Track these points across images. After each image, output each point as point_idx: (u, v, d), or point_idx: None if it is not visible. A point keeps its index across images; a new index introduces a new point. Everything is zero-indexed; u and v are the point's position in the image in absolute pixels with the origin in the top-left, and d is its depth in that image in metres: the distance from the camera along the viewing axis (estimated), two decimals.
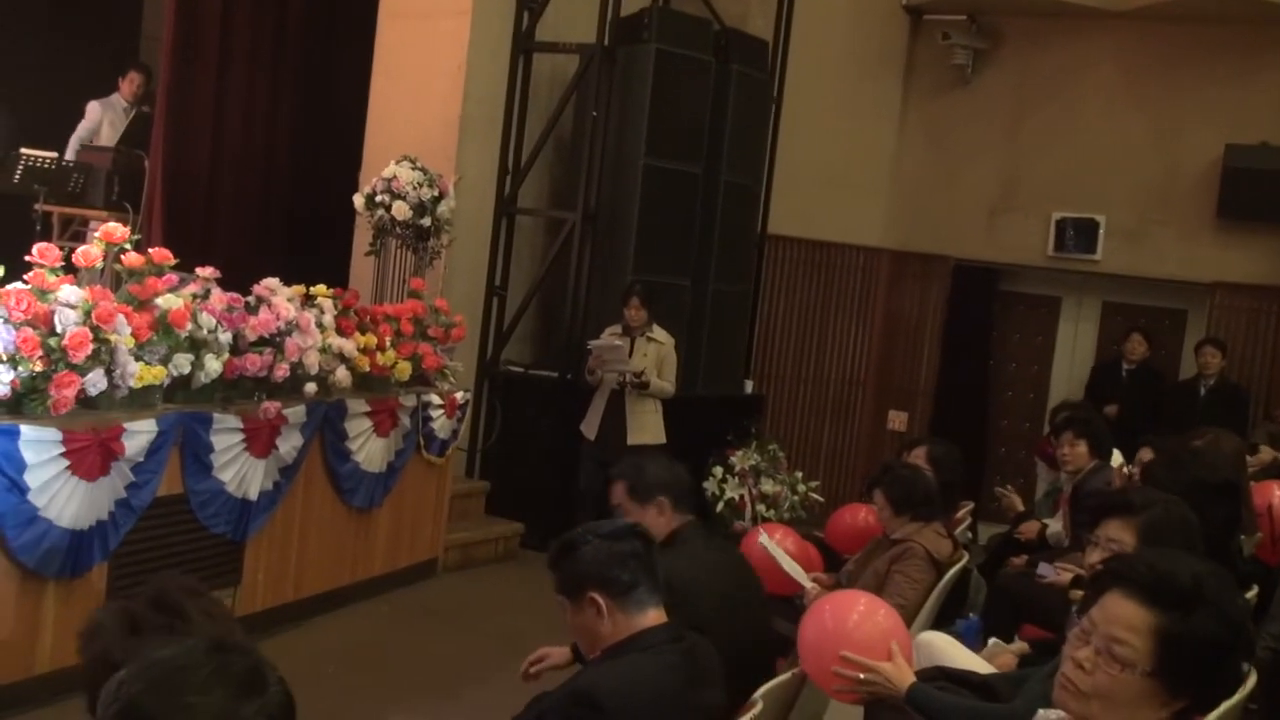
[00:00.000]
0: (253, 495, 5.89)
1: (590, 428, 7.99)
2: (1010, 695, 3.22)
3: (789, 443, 10.33)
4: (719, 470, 9.01)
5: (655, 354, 7.95)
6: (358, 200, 7.95)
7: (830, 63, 10.56)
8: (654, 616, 3.02)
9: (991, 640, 4.57)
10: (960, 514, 6.32)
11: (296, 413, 6.12)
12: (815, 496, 9.28)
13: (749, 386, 10.17)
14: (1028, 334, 11.02)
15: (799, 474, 9.37)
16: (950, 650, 3.92)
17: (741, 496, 8.86)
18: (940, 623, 4.91)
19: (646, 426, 7.91)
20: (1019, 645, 4.51)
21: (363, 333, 6.78)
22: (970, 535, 7.31)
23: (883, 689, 3.23)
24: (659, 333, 8.01)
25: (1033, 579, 5.32)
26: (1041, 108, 10.50)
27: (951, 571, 4.99)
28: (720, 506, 8.85)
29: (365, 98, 8.64)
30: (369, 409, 6.71)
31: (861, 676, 3.23)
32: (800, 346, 10.97)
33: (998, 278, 10.87)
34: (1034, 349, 11.01)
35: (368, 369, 6.73)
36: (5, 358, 4.73)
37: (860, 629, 3.34)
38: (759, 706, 3.22)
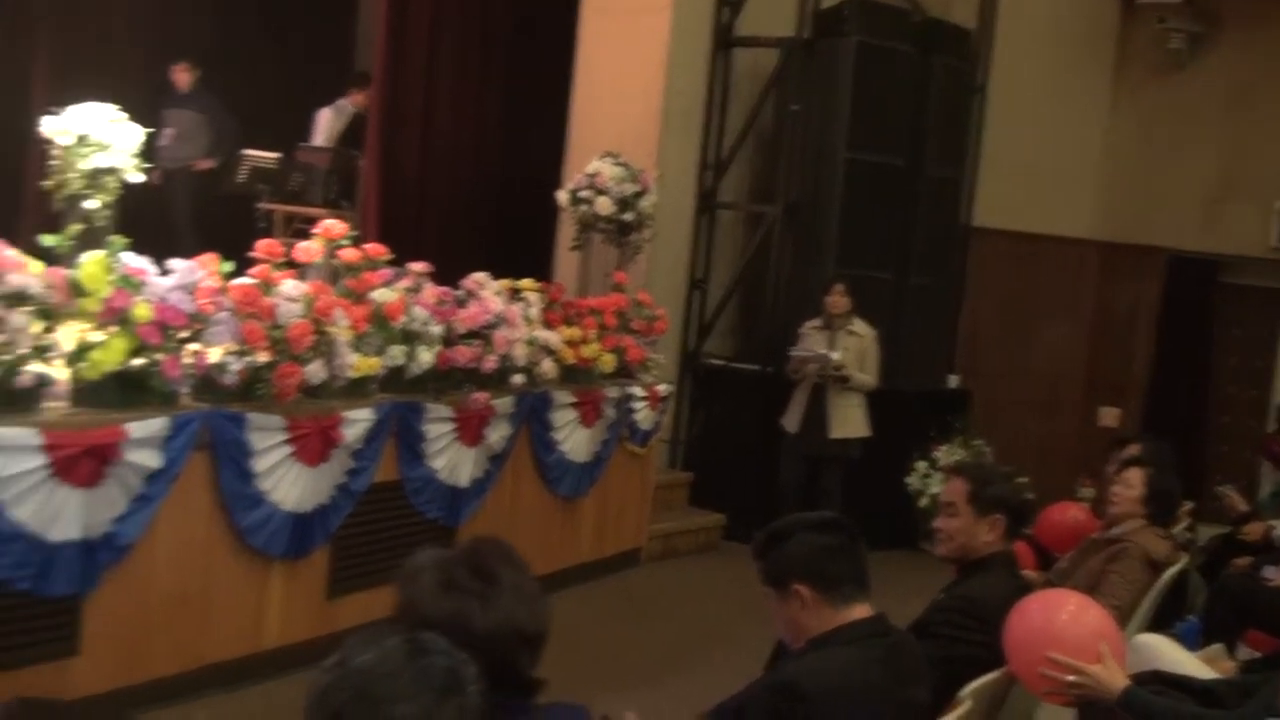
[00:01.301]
0: (463, 482, 6.07)
1: (792, 421, 7.97)
2: (1236, 702, 3.10)
3: (995, 438, 10.11)
4: (922, 465, 8.89)
5: (856, 347, 7.88)
6: (562, 196, 8.09)
7: (1037, 50, 10.28)
8: (859, 610, 2.99)
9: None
10: (1179, 513, 6.10)
11: (505, 403, 6.28)
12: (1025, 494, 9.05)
13: (953, 381, 9.99)
14: (1250, 328, 10.53)
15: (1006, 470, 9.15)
16: (1170, 653, 3.79)
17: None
18: (1158, 626, 4.75)
19: (849, 420, 7.86)
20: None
21: (568, 325, 6.91)
22: (1189, 536, 7.05)
23: (1092, 692, 3.14)
24: (859, 325, 7.93)
25: (1258, 582, 5.10)
26: (1262, 92, 10.00)
27: (1169, 573, 4.82)
28: (924, 501, 8.74)
29: (568, 95, 8.78)
30: (574, 400, 6.85)
31: (1070, 678, 3.16)
32: (1006, 340, 10.71)
33: (1216, 270, 10.42)
34: (1257, 343, 10.50)
35: (573, 361, 6.86)
36: (233, 349, 4.98)
37: (1069, 629, 3.26)
38: (967, 705, 3.17)
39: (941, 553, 3.97)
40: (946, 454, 8.90)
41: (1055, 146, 10.35)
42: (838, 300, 7.86)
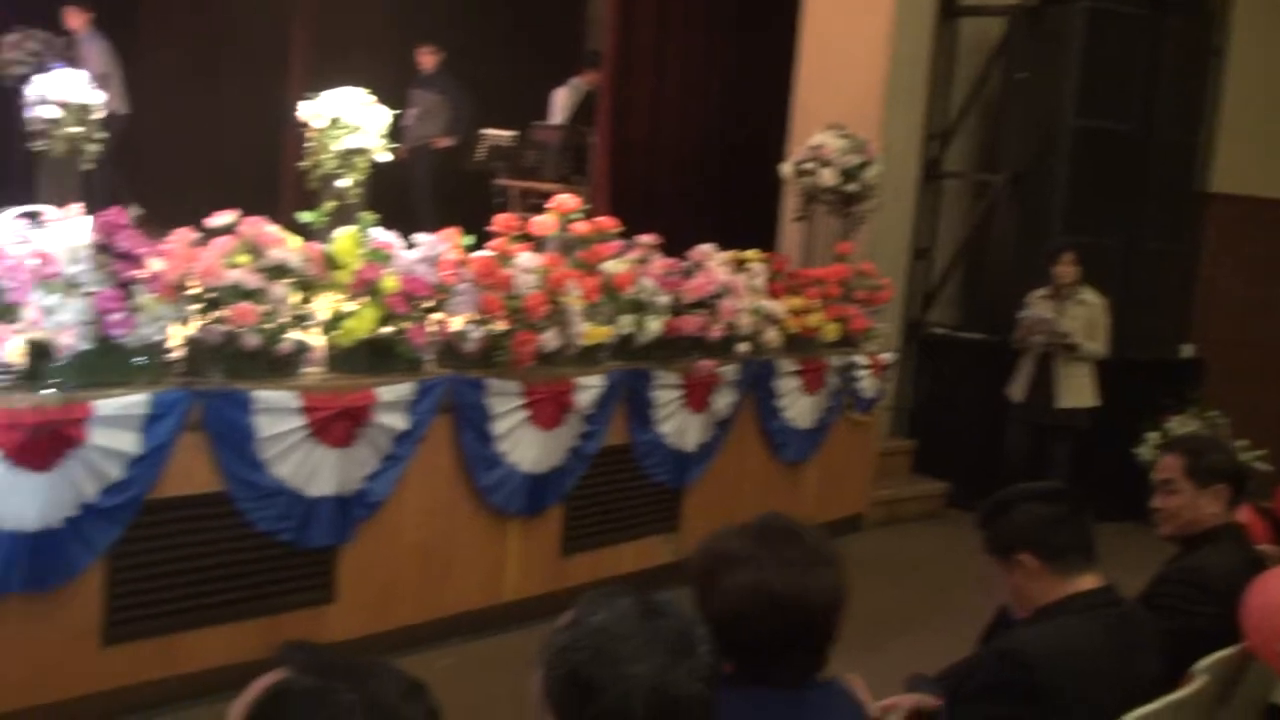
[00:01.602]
0: (690, 447, 6.24)
1: (1018, 390, 7.87)
2: None
3: (1232, 409, 9.73)
4: (1154, 436, 8.65)
5: (1085, 316, 7.72)
6: (786, 168, 8.14)
7: (1278, 9, 9.78)
8: (1087, 580, 2.99)
9: None
10: None
11: (730, 371, 6.41)
12: (1262, 466, 8.71)
13: (1188, 350, 9.66)
14: None
15: (1244, 443, 8.81)
16: None
17: None
18: None
19: (1077, 390, 7.71)
20: None
21: (792, 295, 6.99)
22: None
23: None
24: (1088, 293, 7.77)
25: None
26: None
27: None
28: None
29: (792, 69, 8.80)
30: (798, 368, 6.92)
31: None
32: (1246, 309, 10.24)
33: None
34: None
35: (796, 330, 6.94)
36: (474, 318, 5.24)
37: None
38: (1202, 680, 3.13)
39: (1165, 533, 3.85)
40: (1180, 424, 8.63)
41: None
42: (1066, 269, 7.72)
